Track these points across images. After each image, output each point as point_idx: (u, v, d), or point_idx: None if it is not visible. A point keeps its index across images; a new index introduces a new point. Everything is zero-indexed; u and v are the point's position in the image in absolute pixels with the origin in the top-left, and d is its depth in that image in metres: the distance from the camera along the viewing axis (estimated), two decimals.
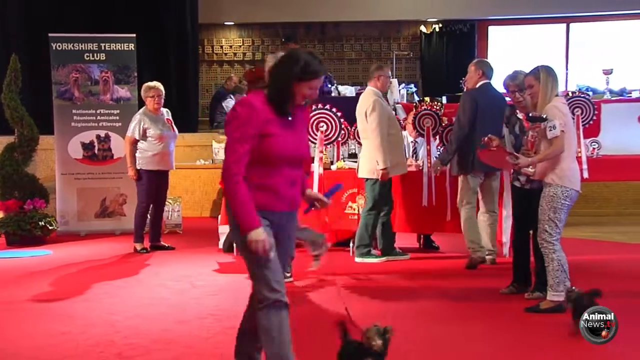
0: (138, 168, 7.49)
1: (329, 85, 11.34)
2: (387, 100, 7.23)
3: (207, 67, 14.08)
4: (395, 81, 11.12)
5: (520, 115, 5.55)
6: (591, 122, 8.51)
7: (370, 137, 6.85)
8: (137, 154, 7.50)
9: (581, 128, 8.36)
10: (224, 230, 7.64)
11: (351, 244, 7.37)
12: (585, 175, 8.34)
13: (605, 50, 12.87)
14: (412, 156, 7.75)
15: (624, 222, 9.33)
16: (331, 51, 13.94)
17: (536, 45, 13.14)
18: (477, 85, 6.73)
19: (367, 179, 6.92)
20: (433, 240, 7.69)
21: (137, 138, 7.51)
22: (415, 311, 5.35)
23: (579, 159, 8.26)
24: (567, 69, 12.64)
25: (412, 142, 7.81)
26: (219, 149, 10.09)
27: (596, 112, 8.58)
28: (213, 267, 6.88)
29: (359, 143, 8.34)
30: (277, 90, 3.42)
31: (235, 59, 14.03)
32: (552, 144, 4.99)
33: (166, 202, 8.49)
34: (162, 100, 7.63)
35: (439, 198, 7.18)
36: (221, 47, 14.04)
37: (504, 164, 5.35)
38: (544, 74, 5.11)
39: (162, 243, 7.77)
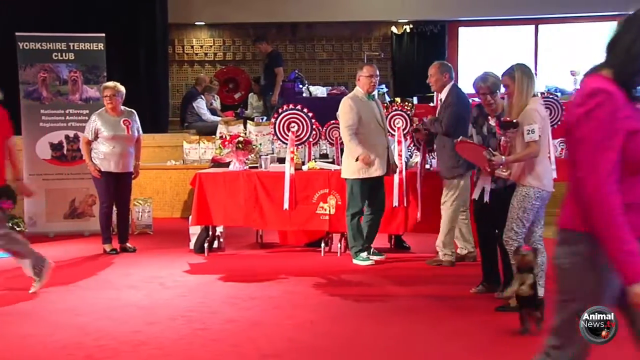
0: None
1: (300, 86, 11.37)
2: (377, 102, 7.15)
3: (178, 67, 13.99)
4: None
5: (492, 122, 5.54)
6: (559, 123, 8.57)
7: (342, 137, 6.97)
8: (92, 154, 7.51)
9: (549, 128, 8.42)
10: (194, 230, 7.65)
11: (322, 244, 7.38)
12: (554, 175, 8.43)
13: (573, 51, 13.03)
14: None
15: None
16: (302, 51, 13.94)
17: (506, 47, 13.26)
18: (449, 87, 6.77)
19: (347, 179, 6.94)
20: (404, 240, 7.72)
21: (90, 139, 7.50)
22: (385, 311, 5.37)
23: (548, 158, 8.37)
24: (536, 70, 12.67)
25: None
26: (189, 149, 10.04)
27: (564, 113, 8.66)
28: (184, 268, 6.86)
29: (330, 143, 8.37)
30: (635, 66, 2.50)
31: (206, 59, 13.96)
32: (529, 147, 5.04)
33: (135, 203, 8.44)
34: (117, 100, 7.48)
35: (410, 198, 7.21)
36: (192, 47, 13.97)
37: (479, 159, 5.36)
38: (518, 73, 5.14)
39: (126, 245, 7.68)
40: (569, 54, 12.95)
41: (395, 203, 7.17)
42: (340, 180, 7.29)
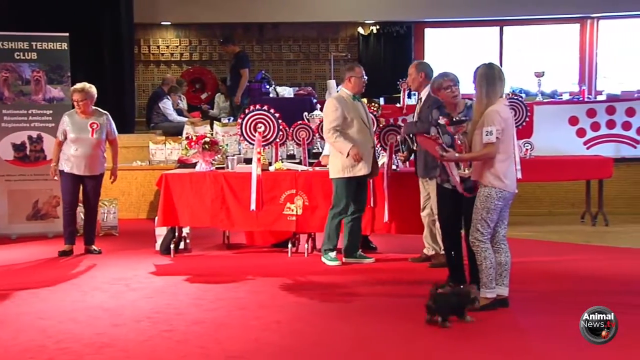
0: (60, 169, 7.43)
1: (267, 86, 11.33)
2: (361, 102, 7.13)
3: (144, 67, 13.86)
4: (333, 82, 11.17)
5: (441, 120, 5.54)
6: (524, 124, 8.68)
7: (325, 136, 6.97)
8: (61, 155, 7.47)
9: (514, 129, 8.51)
10: (160, 232, 7.60)
11: (289, 245, 7.37)
12: (519, 175, 8.49)
13: (537, 53, 13.18)
14: None
15: (556, 222, 9.57)
16: (269, 52, 13.91)
17: (471, 48, 13.37)
18: (427, 89, 6.79)
19: (332, 179, 6.92)
20: (371, 240, 7.74)
21: (61, 139, 7.46)
22: (353, 311, 5.37)
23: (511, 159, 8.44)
24: None
25: None
26: (155, 150, 9.97)
27: (529, 114, 8.76)
28: (149, 270, 6.80)
29: (297, 144, 8.37)
30: None
31: (173, 59, 13.85)
32: (485, 147, 5.07)
33: (100, 204, 8.34)
34: (87, 104, 7.39)
35: (377, 199, 7.22)
36: (158, 47, 13.85)
37: (434, 152, 5.38)
38: (479, 73, 5.18)
39: (91, 247, 7.58)
40: (534, 56, 13.09)
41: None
42: (308, 181, 7.31)
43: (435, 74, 6.09)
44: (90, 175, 7.47)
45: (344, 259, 6.97)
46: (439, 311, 4.86)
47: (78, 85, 7.53)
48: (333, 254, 6.94)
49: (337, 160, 6.86)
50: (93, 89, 7.54)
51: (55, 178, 7.57)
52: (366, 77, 7.05)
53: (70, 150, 7.40)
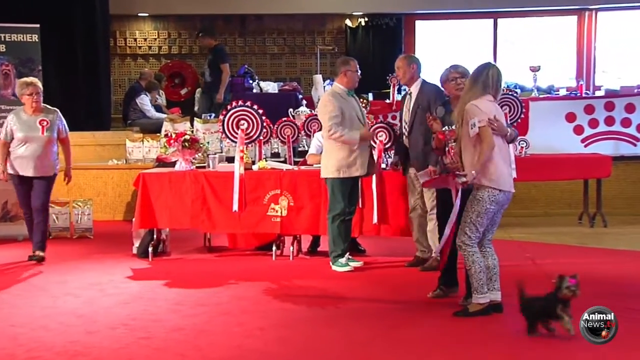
0: (10, 172, 7.30)
1: (250, 81, 11.33)
2: (355, 98, 7.08)
3: (120, 60, 13.82)
4: (319, 77, 11.20)
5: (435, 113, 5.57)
6: (519, 121, 8.70)
7: (324, 137, 6.88)
8: (11, 156, 7.28)
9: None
10: (138, 234, 7.56)
11: (273, 248, 7.38)
12: (514, 174, 8.53)
13: (533, 46, 13.25)
14: None
15: (552, 223, 9.63)
16: (252, 45, 13.90)
17: (464, 41, 13.42)
18: (420, 81, 6.81)
19: (326, 179, 6.89)
20: (359, 243, 7.75)
21: (7, 140, 7.26)
22: (339, 316, 5.39)
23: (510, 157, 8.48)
24: None
25: None
26: (132, 148, 9.94)
27: (524, 111, 8.79)
28: (126, 274, 6.78)
29: (282, 142, 8.37)
30: None
31: (150, 52, 13.82)
32: (483, 142, 5.07)
33: (74, 205, 8.31)
34: (40, 99, 7.23)
35: (365, 200, 7.24)
36: (135, 39, 13.81)
37: (451, 184, 5.31)
38: (470, 75, 5.25)
39: (36, 253, 7.33)
40: (529, 49, 13.16)
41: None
42: (293, 181, 7.31)
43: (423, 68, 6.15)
44: (39, 176, 7.26)
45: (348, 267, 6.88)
46: (525, 317, 4.78)
47: (27, 79, 7.35)
48: (344, 260, 6.82)
49: (333, 160, 6.80)
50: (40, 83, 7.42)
51: (3, 179, 7.37)
52: (360, 72, 7.04)
53: (19, 151, 7.21)
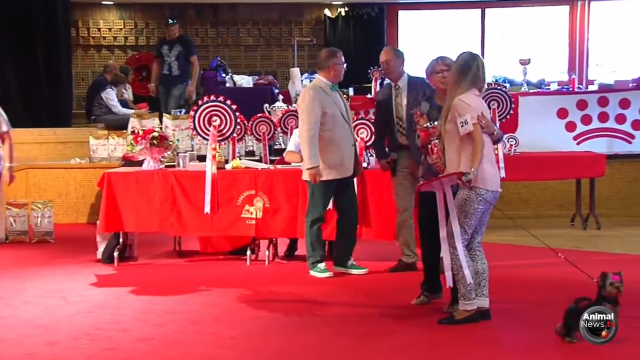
0: None
1: (223, 75, 11.32)
2: (340, 92, 7.02)
3: (83, 52, 13.76)
4: (296, 70, 11.20)
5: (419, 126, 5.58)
6: (508, 117, 8.78)
7: (299, 133, 6.87)
8: None
9: (497, 123, 8.61)
10: (102, 238, 7.53)
11: (248, 252, 7.38)
12: (503, 174, 8.62)
13: (523, 38, 13.34)
14: None
15: (543, 225, 9.68)
16: (225, 36, 13.88)
17: (450, 32, 13.48)
18: (405, 77, 6.82)
19: (307, 181, 6.84)
20: None
21: None
22: (318, 324, 5.40)
23: (496, 156, 8.52)
24: (483, 58, 13.00)
25: None
26: (97, 145, 9.91)
27: (513, 106, 8.86)
28: (90, 281, 6.76)
29: (257, 139, 8.37)
30: None
31: (116, 43, 13.77)
32: (475, 140, 5.10)
33: (33, 207, 8.25)
34: None
35: None
36: (99, 29, 13.74)
37: (445, 185, 5.28)
38: (457, 64, 5.26)
39: None
40: (519, 41, 13.24)
41: (329, 206, 7.20)
42: (269, 181, 7.32)
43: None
44: None
45: (335, 268, 6.90)
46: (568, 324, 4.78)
47: None
48: (322, 265, 6.83)
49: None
50: None
51: None
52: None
53: None
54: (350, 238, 6.98)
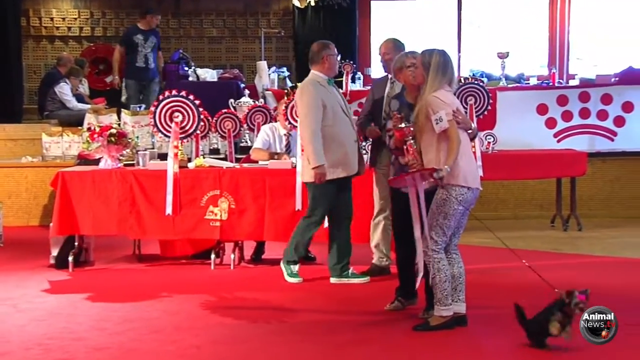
0: None
1: (186, 68, 11.28)
2: (336, 86, 6.94)
3: (35, 43, 13.61)
4: (264, 63, 11.20)
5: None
6: (485, 113, 8.82)
7: (299, 131, 6.76)
8: None
9: (475, 119, 8.66)
10: (56, 241, 7.47)
11: (212, 256, 7.36)
12: (480, 173, 8.65)
13: (501, 31, 13.41)
14: (286, 152, 7.80)
15: (522, 226, 9.77)
16: (188, 28, 13.82)
17: (425, 24, 13.52)
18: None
19: (307, 184, 6.79)
20: (309, 250, 7.77)
21: None
22: (287, 331, 5.40)
23: (473, 154, 8.58)
24: (459, 52, 13.08)
25: (284, 134, 7.86)
26: (50, 143, 9.83)
27: (491, 102, 8.90)
28: (42, 287, 6.72)
29: (222, 136, 8.35)
30: None
31: (70, 34, 13.64)
32: (451, 137, 5.13)
33: None
34: None
35: None
36: (51, 19, 13.60)
37: (418, 182, 5.29)
38: (436, 59, 5.29)
39: None
40: (497, 34, 13.32)
41: (298, 206, 7.21)
42: (234, 180, 7.31)
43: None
44: None
45: (331, 280, 6.82)
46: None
47: None
48: (296, 268, 6.83)
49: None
50: None
51: None
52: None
53: None
54: (349, 242, 6.88)
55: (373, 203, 7.06)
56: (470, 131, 5.35)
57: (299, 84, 7.15)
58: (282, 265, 6.89)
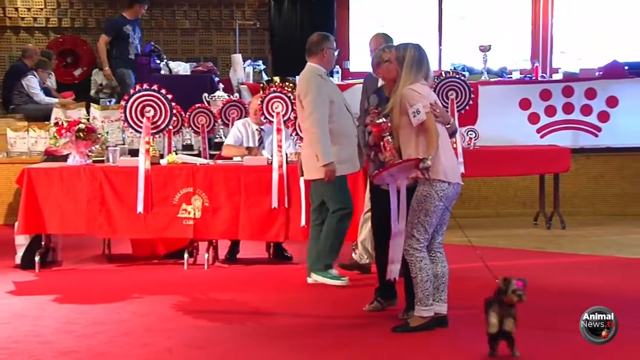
0: None
1: (158, 61, 11.22)
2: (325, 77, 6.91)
3: None
4: (238, 56, 11.18)
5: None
6: (467, 108, 8.86)
7: (305, 127, 6.67)
8: None
9: (456, 115, 8.70)
10: (22, 241, 7.45)
11: (185, 255, 7.34)
12: (462, 170, 8.69)
13: (483, 23, 13.45)
14: (259, 147, 7.80)
15: (505, 224, 9.83)
16: (160, 19, 13.74)
17: (405, 17, 13.55)
18: None
19: (312, 181, 6.72)
20: (285, 248, 7.79)
21: None
22: (262, 334, 5.40)
23: (454, 150, 8.60)
24: (440, 45, 13.11)
25: (257, 130, 7.85)
26: (15, 138, 9.77)
27: (472, 96, 8.94)
28: (7, 288, 6.69)
29: (196, 132, 8.31)
30: None
31: (36, 25, 13.52)
32: (426, 131, 5.14)
33: None
34: None
35: (292, 198, 7.27)
36: (16, 9, 13.47)
37: (417, 171, 5.22)
38: (411, 53, 5.30)
39: None
40: (479, 26, 13.36)
41: (274, 204, 7.21)
42: (208, 177, 7.30)
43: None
44: None
45: (309, 279, 6.78)
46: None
47: None
48: (334, 271, 6.70)
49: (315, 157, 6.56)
50: None
51: None
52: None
53: None
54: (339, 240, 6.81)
55: (363, 200, 7.05)
56: (448, 126, 5.36)
57: (297, 77, 7.03)
58: (317, 276, 6.67)
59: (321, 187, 6.67)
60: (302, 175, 6.88)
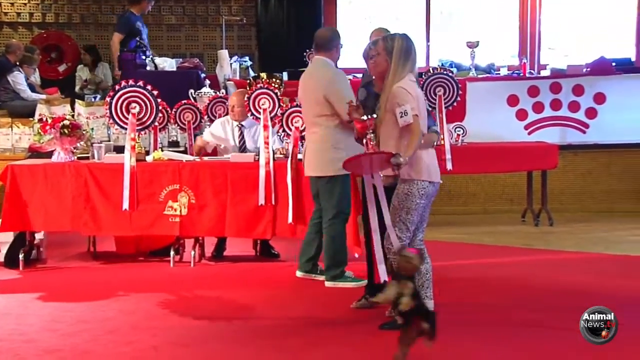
0: None
1: (143, 57, 11.18)
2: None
3: None
4: (225, 52, 11.15)
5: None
6: (455, 104, 8.86)
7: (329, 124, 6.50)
8: None
9: (444, 111, 8.71)
10: (5, 238, 7.43)
11: (171, 253, 7.34)
12: (449, 166, 8.73)
13: (471, 19, 13.47)
14: (240, 144, 7.79)
15: (492, 221, 9.85)
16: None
17: (392, 12, 13.55)
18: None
19: (319, 178, 6.61)
20: (272, 246, 7.78)
21: None
22: (249, 332, 5.39)
23: (442, 147, 8.63)
24: (428, 41, 13.13)
25: (237, 126, 7.83)
26: None
27: (460, 93, 8.94)
28: None
29: (182, 128, 8.29)
30: None
31: (20, 20, 13.45)
32: (411, 133, 5.15)
33: None
34: None
35: (279, 195, 7.26)
36: None
37: (384, 165, 5.19)
38: (399, 44, 5.29)
39: None
40: (467, 22, 13.38)
41: (261, 201, 7.21)
42: (194, 174, 7.29)
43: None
44: None
45: (298, 273, 6.82)
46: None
47: None
48: (350, 272, 6.64)
49: (334, 154, 6.40)
50: None
51: None
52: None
53: None
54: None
55: (359, 201, 7.02)
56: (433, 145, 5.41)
57: (308, 69, 6.90)
58: (338, 282, 6.58)
59: (322, 187, 6.59)
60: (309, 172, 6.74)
